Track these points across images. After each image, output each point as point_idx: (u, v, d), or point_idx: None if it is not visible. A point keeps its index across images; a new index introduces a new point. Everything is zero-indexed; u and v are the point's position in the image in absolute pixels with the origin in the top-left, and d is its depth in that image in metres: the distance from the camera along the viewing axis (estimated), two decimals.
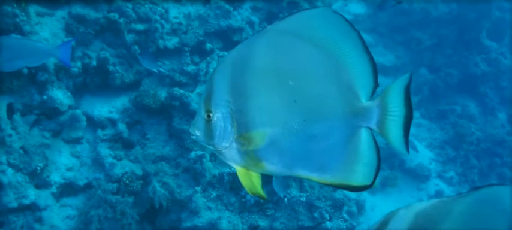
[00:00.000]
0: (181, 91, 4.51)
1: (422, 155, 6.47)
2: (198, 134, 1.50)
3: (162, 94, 4.57)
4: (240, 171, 1.50)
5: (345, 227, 4.54)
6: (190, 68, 4.80)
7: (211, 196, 4.32)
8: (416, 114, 6.95)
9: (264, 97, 1.41)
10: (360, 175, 1.43)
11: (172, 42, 4.81)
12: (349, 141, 1.44)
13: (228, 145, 1.47)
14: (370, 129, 1.44)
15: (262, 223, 4.39)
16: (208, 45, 4.92)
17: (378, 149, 1.44)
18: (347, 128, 1.43)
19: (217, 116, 1.45)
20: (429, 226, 1.34)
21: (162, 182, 4.09)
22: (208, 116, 1.46)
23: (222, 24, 5.05)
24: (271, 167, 1.46)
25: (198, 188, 4.22)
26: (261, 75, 1.41)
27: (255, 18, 5.46)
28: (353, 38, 1.40)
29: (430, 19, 7.53)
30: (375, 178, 1.43)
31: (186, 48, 4.84)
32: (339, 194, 4.78)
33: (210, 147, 1.51)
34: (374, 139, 1.45)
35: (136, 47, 4.54)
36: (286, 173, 1.48)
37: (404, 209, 1.41)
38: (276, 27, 1.43)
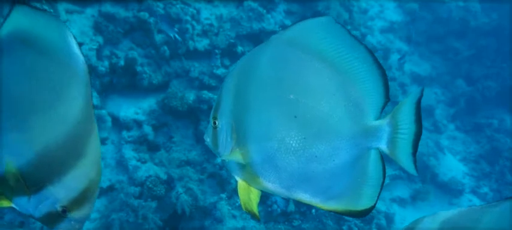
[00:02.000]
0: (209, 94, 4.41)
1: (456, 169, 6.28)
2: (208, 140, 1.48)
3: (190, 97, 4.48)
4: (240, 184, 1.46)
5: None
6: (220, 71, 4.70)
7: (237, 204, 4.22)
8: (451, 126, 6.77)
9: (263, 110, 1.34)
10: (366, 198, 1.35)
11: (202, 44, 4.73)
12: (355, 163, 1.35)
13: (228, 156, 1.43)
14: (378, 149, 1.35)
15: None
16: (240, 48, 4.83)
17: (384, 168, 1.36)
18: (354, 149, 1.33)
19: (221, 124, 1.42)
20: None
21: (186, 188, 4.00)
22: (214, 123, 1.44)
23: (254, 27, 4.95)
24: (269, 185, 1.39)
25: (223, 195, 4.12)
26: (262, 87, 1.34)
27: (288, 22, 5.35)
28: (361, 52, 1.31)
29: (468, 29, 7.35)
30: (378, 196, 1.35)
31: (217, 51, 4.76)
32: None
33: (217, 155, 1.48)
34: (382, 159, 1.36)
35: (165, 47, 4.47)
36: (287, 194, 1.40)
37: (429, 217, 1.36)
38: (282, 37, 1.35)
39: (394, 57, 6.75)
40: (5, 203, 1.24)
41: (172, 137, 4.41)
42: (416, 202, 5.74)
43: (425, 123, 6.47)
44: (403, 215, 5.47)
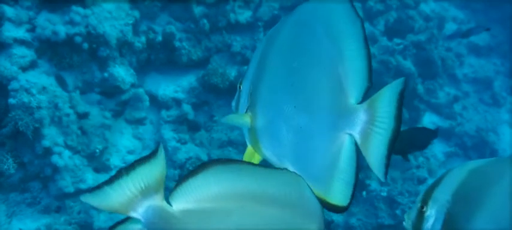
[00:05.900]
0: None
1: None
2: (233, 104, 1.51)
3: (232, 73, 4.30)
4: (248, 149, 1.45)
5: None
6: None
7: None
8: (510, 99, 6.42)
9: (271, 75, 1.34)
10: (338, 193, 1.24)
11: (244, 16, 4.53)
12: (331, 146, 1.26)
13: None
14: (353, 138, 1.23)
15: (337, 218, 4.07)
16: None
17: (357, 165, 1.24)
18: (331, 129, 1.25)
19: (242, 88, 1.45)
20: (482, 184, 1.34)
21: None
22: (239, 87, 1.47)
23: None
24: (265, 152, 1.37)
25: None
26: (276, 53, 1.34)
27: None
28: (357, 27, 1.23)
29: None
30: (350, 201, 1.24)
31: (260, 23, 4.56)
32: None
33: None
34: (356, 152, 1.23)
35: (205, 20, 4.27)
36: (279, 165, 1.35)
37: (458, 166, 1.41)
38: (305, 5, 1.31)
39: (449, 26, 6.40)
40: None
41: (213, 116, 4.25)
42: None
43: (484, 96, 6.17)
44: None
